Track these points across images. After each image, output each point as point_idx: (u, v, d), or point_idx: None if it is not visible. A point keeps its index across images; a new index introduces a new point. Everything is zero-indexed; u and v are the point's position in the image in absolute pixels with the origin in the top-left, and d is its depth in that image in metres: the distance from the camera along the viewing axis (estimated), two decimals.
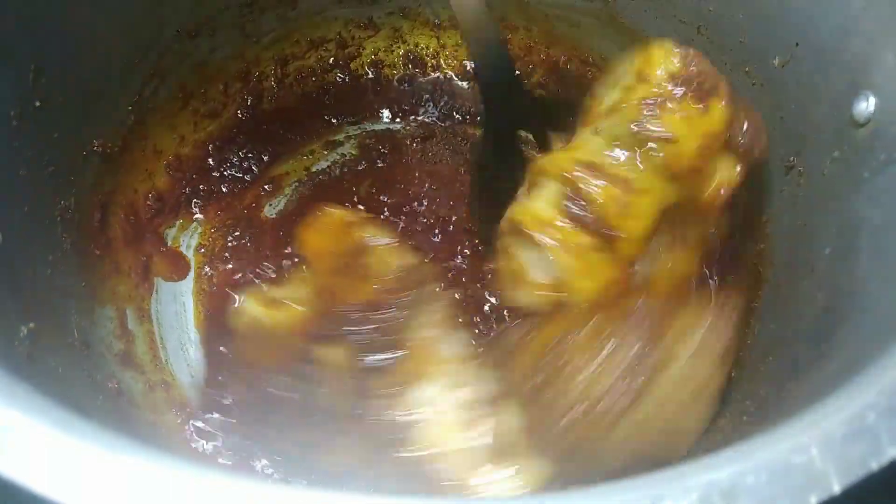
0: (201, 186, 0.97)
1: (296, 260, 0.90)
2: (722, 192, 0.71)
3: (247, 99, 1.01)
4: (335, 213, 0.81)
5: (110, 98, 0.86)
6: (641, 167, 0.70)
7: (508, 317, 0.84)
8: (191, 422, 0.81)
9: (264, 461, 0.78)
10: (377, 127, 1.04)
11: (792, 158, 0.75)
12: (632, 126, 0.69)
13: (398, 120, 1.04)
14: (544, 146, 0.88)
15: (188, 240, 0.96)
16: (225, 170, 0.99)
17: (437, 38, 1.05)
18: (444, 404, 0.73)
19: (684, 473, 0.39)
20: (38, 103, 0.73)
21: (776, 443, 0.40)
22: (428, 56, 1.06)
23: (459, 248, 0.94)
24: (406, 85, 1.06)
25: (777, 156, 0.78)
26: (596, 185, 0.71)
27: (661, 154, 0.69)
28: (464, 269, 0.93)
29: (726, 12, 0.82)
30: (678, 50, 0.70)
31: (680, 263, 0.72)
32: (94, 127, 0.84)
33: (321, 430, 0.74)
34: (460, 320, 0.82)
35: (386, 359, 0.74)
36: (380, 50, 1.06)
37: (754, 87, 0.80)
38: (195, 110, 0.97)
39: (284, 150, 1.01)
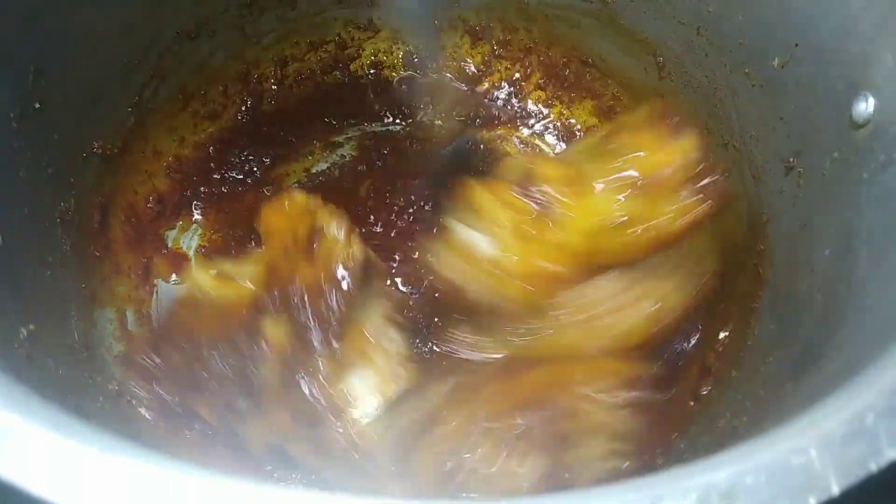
0: (202, 188, 0.97)
1: (253, 238, 0.91)
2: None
3: (247, 100, 1.01)
4: (297, 197, 0.82)
5: (110, 99, 0.86)
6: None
7: (450, 325, 0.84)
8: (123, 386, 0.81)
9: (196, 427, 0.79)
10: (377, 128, 1.04)
11: (791, 159, 0.75)
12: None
13: (398, 121, 1.04)
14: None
15: (188, 241, 0.96)
16: (225, 171, 0.99)
17: (437, 40, 1.05)
18: (371, 398, 0.76)
19: (683, 474, 0.39)
20: (37, 105, 0.73)
21: (775, 444, 0.40)
22: (428, 57, 1.06)
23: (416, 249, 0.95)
24: (406, 86, 1.06)
25: (777, 156, 0.78)
26: (550, 178, 0.72)
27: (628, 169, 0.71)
28: (417, 271, 0.93)
29: (726, 13, 0.82)
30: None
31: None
32: (93, 128, 0.84)
33: (251, 402, 0.75)
34: (401, 320, 0.83)
35: (324, 343, 0.75)
36: (380, 51, 1.06)
37: (754, 87, 0.80)
38: (195, 112, 0.97)
39: (284, 152, 1.02)
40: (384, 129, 1.04)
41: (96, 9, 0.79)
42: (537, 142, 1.05)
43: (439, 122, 1.04)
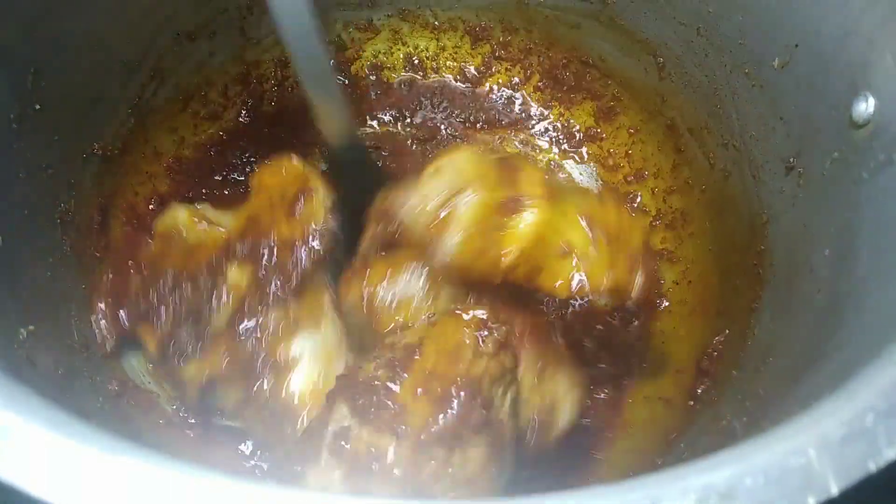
0: (202, 189, 0.97)
1: (242, 190, 0.92)
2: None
3: (247, 101, 1.01)
4: (295, 162, 0.84)
5: (110, 100, 0.86)
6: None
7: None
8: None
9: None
10: (378, 128, 1.04)
11: (791, 159, 0.75)
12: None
13: (398, 121, 1.04)
14: None
15: None
16: (226, 172, 0.99)
17: (437, 40, 1.06)
18: (313, 366, 0.76)
19: (682, 475, 0.39)
20: (37, 106, 0.73)
21: (774, 444, 0.40)
22: (427, 58, 1.06)
23: None
24: (406, 87, 1.06)
25: (777, 156, 0.78)
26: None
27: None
28: None
29: (726, 14, 0.82)
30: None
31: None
32: (93, 129, 0.84)
33: (196, 340, 0.77)
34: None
35: (280, 298, 0.77)
36: (380, 52, 1.06)
37: (754, 87, 0.80)
38: (195, 112, 0.97)
39: (285, 153, 1.01)
40: (385, 129, 1.04)
41: (96, 11, 0.79)
42: (538, 142, 1.05)
43: (439, 122, 1.04)
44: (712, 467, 0.39)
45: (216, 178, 0.98)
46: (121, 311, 0.81)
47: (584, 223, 0.68)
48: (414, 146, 1.03)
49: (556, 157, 1.04)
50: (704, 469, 0.39)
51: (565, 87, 1.03)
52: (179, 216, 0.84)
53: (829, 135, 0.69)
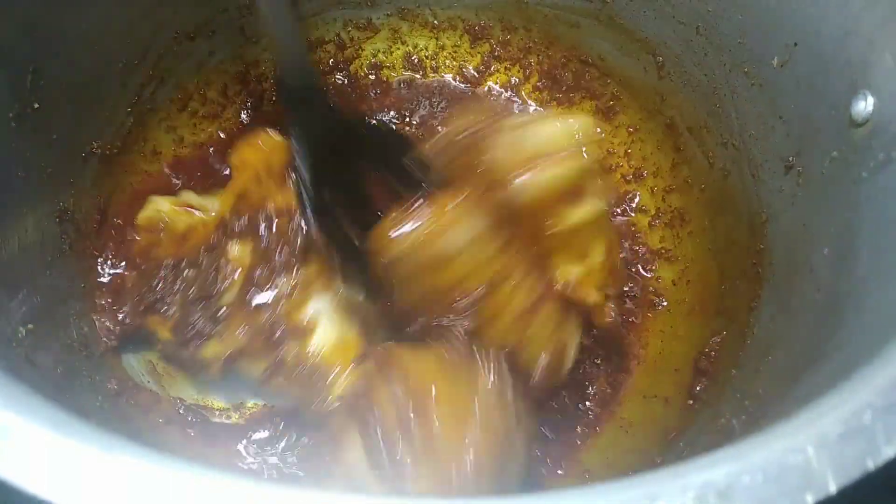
0: (202, 188, 0.97)
1: (226, 172, 0.92)
2: None
3: (246, 100, 1.01)
4: (273, 135, 0.85)
5: (109, 99, 0.86)
6: None
7: None
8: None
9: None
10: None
11: (791, 158, 0.75)
12: None
13: (398, 121, 1.04)
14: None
15: None
16: (226, 171, 0.98)
17: (436, 39, 1.05)
18: (334, 318, 0.78)
19: (681, 472, 0.39)
20: (36, 105, 0.73)
21: (773, 442, 0.40)
22: (427, 57, 1.06)
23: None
24: (405, 86, 1.06)
25: (776, 155, 0.78)
26: None
27: None
28: None
29: (725, 13, 0.82)
30: None
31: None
32: (92, 128, 0.84)
33: (211, 321, 0.79)
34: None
35: (288, 266, 0.79)
36: (379, 51, 1.06)
37: (753, 87, 0.80)
38: (194, 112, 0.97)
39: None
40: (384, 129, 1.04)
41: (95, 10, 0.79)
42: None
43: (438, 122, 1.04)
44: (711, 465, 0.39)
45: (216, 177, 0.98)
46: (124, 307, 0.81)
47: (604, 246, 0.75)
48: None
49: None
50: (703, 467, 0.39)
51: (564, 87, 1.03)
52: (161, 207, 0.85)
53: (829, 134, 0.69)
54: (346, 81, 1.05)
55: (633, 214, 0.97)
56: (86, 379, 0.74)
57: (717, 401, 0.77)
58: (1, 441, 0.40)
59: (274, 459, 0.81)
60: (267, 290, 0.78)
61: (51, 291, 0.74)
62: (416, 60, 1.06)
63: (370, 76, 1.05)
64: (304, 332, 0.77)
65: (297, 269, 0.79)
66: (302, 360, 0.76)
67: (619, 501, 0.38)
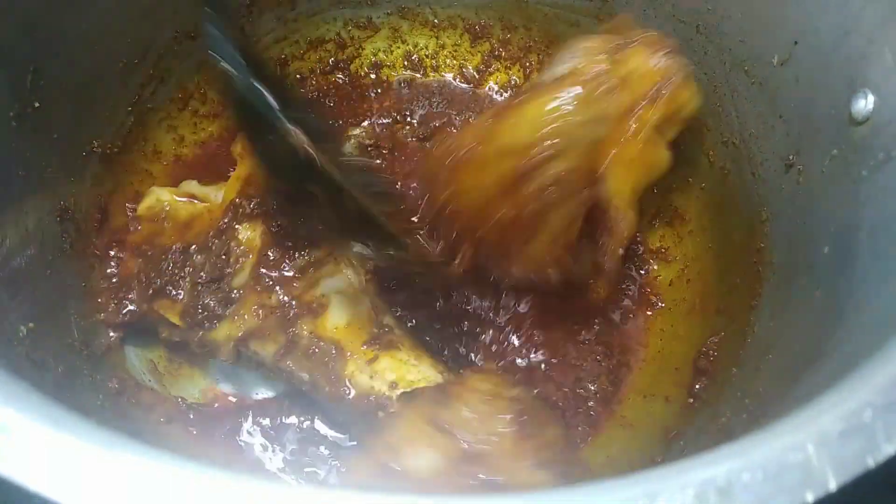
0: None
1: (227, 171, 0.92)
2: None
3: None
4: None
5: (109, 99, 0.86)
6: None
7: None
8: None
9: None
10: (377, 127, 1.04)
11: (791, 156, 0.75)
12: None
13: (398, 120, 1.04)
14: None
15: None
16: (227, 170, 0.98)
17: (436, 38, 1.06)
18: (346, 296, 0.79)
19: (681, 470, 0.39)
20: (36, 104, 0.73)
21: (773, 440, 0.40)
22: (427, 56, 1.06)
23: None
24: (405, 85, 1.06)
25: (776, 154, 0.78)
26: None
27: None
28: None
29: (725, 11, 0.82)
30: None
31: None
32: (93, 128, 0.84)
33: (222, 303, 0.79)
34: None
35: (298, 249, 0.80)
36: (379, 50, 1.06)
37: (753, 85, 0.80)
38: (195, 111, 0.97)
39: None
40: (385, 128, 1.04)
41: (95, 9, 0.79)
42: None
43: (438, 121, 1.04)
44: (711, 463, 0.39)
45: (216, 175, 0.98)
46: (131, 293, 0.82)
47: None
48: (414, 144, 1.02)
49: None
50: (703, 465, 0.39)
51: None
52: (162, 197, 0.86)
53: (829, 132, 0.70)
54: (346, 81, 1.05)
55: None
56: (86, 378, 0.74)
57: (718, 399, 0.77)
58: (1, 439, 0.40)
59: (278, 458, 0.81)
60: (279, 270, 0.79)
61: (51, 290, 0.74)
62: (417, 59, 1.06)
63: (370, 75, 1.05)
64: (316, 311, 0.78)
65: (309, 249, 0.79)
66: (318, 337, 0.77)
67: (620, 499, 0.38)
